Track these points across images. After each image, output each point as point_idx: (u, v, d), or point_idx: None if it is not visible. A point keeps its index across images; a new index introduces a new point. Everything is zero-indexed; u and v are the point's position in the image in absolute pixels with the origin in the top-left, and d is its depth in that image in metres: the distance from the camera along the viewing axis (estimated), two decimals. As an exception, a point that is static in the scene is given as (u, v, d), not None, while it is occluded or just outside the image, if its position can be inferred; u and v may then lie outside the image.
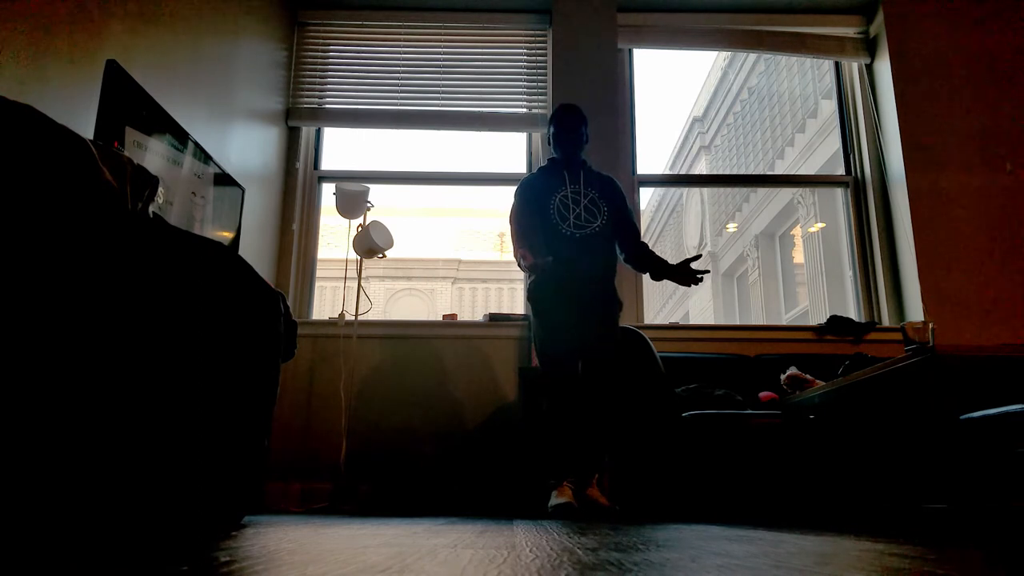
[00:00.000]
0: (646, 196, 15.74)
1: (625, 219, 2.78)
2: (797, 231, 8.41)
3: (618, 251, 2.77)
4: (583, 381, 2.57)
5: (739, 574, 0.81)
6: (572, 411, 2.55)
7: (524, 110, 3.80)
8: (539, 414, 2.69)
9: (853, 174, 3.78)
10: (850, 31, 3.85)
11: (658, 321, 12.31)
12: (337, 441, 3.14)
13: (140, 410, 1.36)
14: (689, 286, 2.62)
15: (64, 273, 1.25)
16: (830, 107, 6.95)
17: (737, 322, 10.10)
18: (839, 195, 4.21)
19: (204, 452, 1.51)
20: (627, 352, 2.77)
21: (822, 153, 7.28)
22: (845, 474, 2.35)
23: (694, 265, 2.47)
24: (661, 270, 2.66)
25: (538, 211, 2.68)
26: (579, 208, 2.69)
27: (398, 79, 3.85)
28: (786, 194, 8.28)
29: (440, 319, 3.56)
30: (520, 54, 3.88)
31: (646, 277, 2.89)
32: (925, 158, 3.49)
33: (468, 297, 13.42)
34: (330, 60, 3.88)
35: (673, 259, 2.66)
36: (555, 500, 2.42)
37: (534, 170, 3.74)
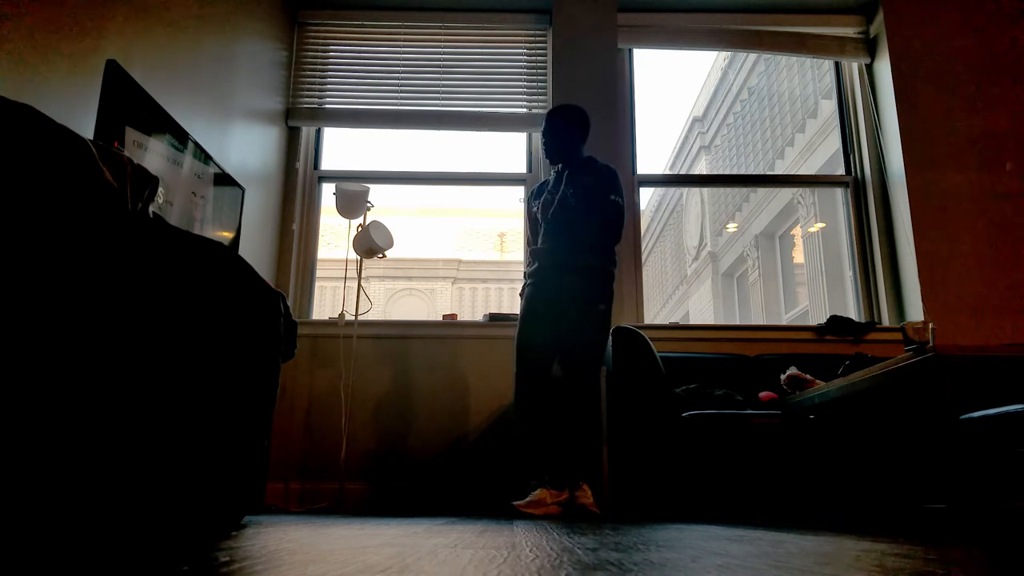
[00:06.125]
0: (646, 196, 15.73)
1: (593, 207, 2.63)
2: (797, 231, 8.41)
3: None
4: (560, 380, 2.56)
5: (739, 574, 0.81)
6: (540, 412, 2.54)
7: (524, 110, 3.80)
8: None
9: (853, 174, 3.78)
10: (850, 31, 3.85)
11: (658, 321, 12.31)
12: (337, 441, 3.14)
13: (140, 411, 1.36)
14: None
15: (64, 274, 1.25)
16: (830, 107, 6.95)
17: (737, 322, 10.10)
18: (839, 195, 4.21)
19: (204, 452, 1.51)
20: (626, 352, 2.77)
21: (822, 153, 7.27)
22: (845, 474, 2.35)
23: None
24: None
25: (530, 217, 2.90)
26: (553, 207, 2.71)
27: (398, 79, 3.85)
28: (786, 194, 8.27)
29: (440, 319, 3.56)
30: (520, 54, 3.88)
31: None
32: (925, 158, 3.49)
33: (468, 297, 13.42)
34: (330, 60, 3.88)
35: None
36: (522, 501, 2.44)
37: (533, 170, 3.78)
